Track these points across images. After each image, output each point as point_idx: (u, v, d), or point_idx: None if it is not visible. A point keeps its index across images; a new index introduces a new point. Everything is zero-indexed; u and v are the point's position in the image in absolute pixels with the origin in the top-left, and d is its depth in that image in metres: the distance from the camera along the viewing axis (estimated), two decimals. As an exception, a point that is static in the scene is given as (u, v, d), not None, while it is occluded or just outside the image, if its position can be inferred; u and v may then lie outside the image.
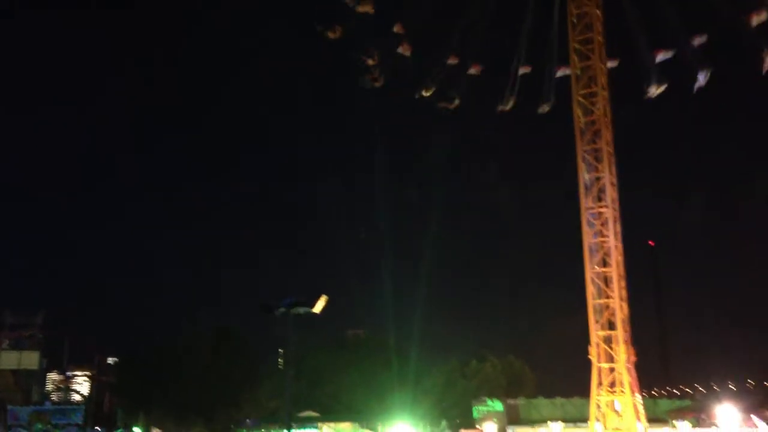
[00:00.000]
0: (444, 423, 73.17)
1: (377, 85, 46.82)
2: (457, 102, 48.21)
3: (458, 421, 74.44)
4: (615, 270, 45.73)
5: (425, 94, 47.54)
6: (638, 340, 46.36)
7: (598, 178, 46.89)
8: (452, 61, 47.55)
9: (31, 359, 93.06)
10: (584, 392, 48.17)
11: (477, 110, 52.39)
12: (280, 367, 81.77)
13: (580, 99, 47.89)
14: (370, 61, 46.46)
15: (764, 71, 42.09)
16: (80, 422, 75.06)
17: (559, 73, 47.92)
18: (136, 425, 75.43)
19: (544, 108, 47.74)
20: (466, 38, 47.28)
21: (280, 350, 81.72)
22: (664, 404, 76.49)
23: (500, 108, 47.85)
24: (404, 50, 46.82)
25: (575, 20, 48.09)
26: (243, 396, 72.28)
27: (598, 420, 45.16)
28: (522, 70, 47.54)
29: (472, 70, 47.69)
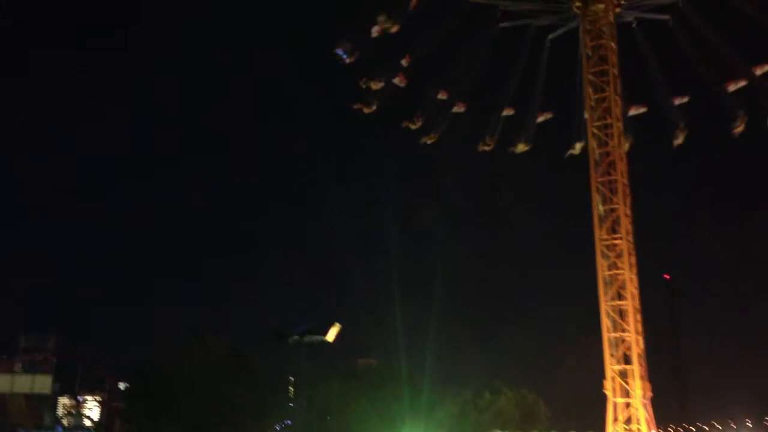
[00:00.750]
0: None
1: (367, 111, 48.15)
2: (435, 137, 49.49)
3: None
4: (630, 303, 45.25)
5: (412, 126, 49.00)
6: (654, 375, 45.66)
7: (612, 210, 46.78)
8: (442, 96, 48.96)
9: (44, 383, 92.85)
10: (599, 427, 47.37)
11: (456, 147, 54.39)
12: (290, 395, 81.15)
13: (595, 131, 48.06)
14: (373, 85, 47.84)
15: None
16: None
17: (540, 119, 49.52)
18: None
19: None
20: (464, 76, 48.78)
21: (291, 378, 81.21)
22: (681, 441, 75.04)
23: (481, 147, 49.64)
24: (400, 81, 48.17)
25: (590, 52, 48.52)
26: (254, 423, 71.61)
27: (613, 456, 44.35)
28: (505, 112, 49.28)
29: (457, 108, 49.21)
